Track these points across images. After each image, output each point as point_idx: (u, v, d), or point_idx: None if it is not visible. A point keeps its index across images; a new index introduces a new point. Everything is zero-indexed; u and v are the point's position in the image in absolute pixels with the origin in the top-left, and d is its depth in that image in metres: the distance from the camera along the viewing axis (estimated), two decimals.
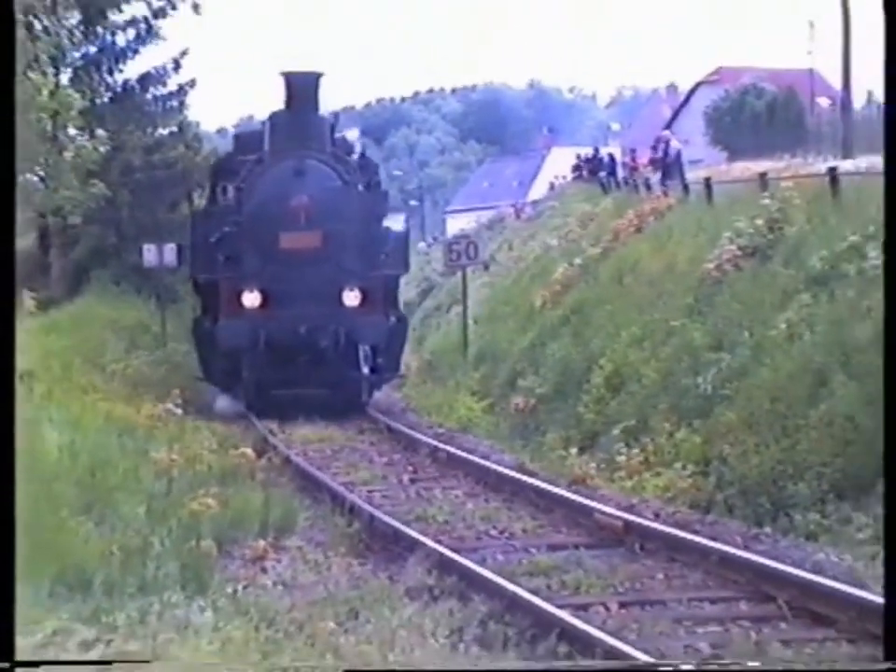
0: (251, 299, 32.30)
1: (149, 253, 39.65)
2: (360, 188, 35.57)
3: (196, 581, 14.19)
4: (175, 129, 46.48)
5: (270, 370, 31.69)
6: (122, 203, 42.81)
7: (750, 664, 7.56)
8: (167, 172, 42.28)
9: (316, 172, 33.98)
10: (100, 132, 36.96)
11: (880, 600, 13.01)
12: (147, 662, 7.90)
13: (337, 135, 40.12)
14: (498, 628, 12.63)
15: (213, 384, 35.86)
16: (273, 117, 36.82)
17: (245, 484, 18.88)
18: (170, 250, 40.98)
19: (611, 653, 11.49)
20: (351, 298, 32.68)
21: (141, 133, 45.05)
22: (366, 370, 33.21)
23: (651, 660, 7.70)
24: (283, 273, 32.48)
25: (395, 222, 39.82)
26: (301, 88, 34.63)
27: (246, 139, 39.26)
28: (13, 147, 8.58)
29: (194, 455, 21.42)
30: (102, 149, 37.12)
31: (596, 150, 72.08)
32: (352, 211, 33.70)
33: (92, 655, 11.98)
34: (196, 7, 45.26)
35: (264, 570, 15.12)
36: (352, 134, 48.88)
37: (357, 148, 43.56)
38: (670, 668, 7.24)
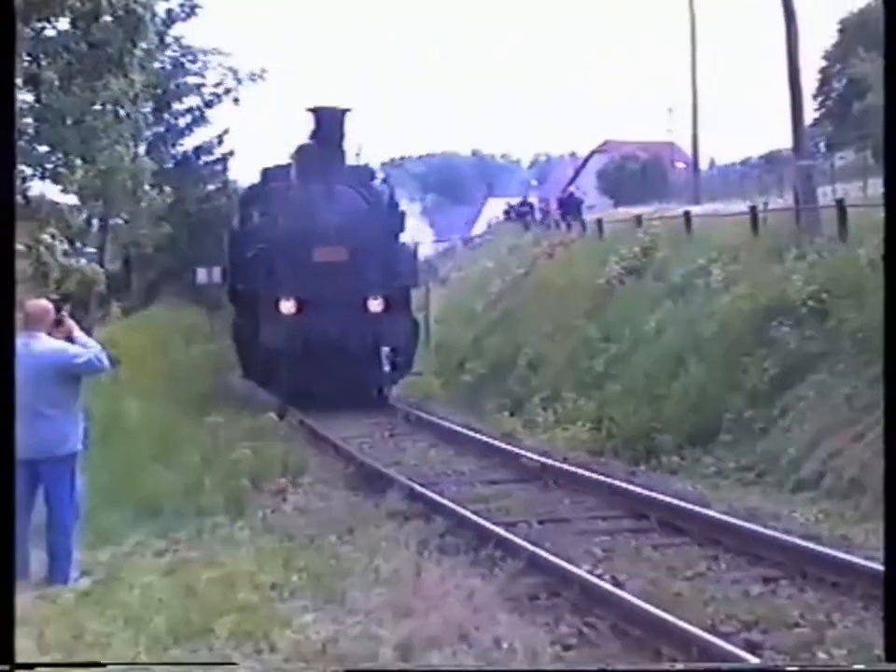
0: (288, 306, 28.23)
1: (201, 274, 39.16)
2: (381, 209, 30.93)
3: (236, 508, 14.16)
4: (219, 185, 46.25)
5: (305, 367, 27.14)
6: (182, 238, 42.79)
7: (750, 664, 7.12)
8: (214, 216, 41.93)
9: (344, 195, 29.79)
10: (166, 188, 36.57)
11: (722, 516, 13.07)
12: (146, 664, 7.62)
13: (360, 164, 36.61)
14: (453, 540, 12.63)
15: (253, 380, 31.08)
16: (302, 148, 32.08)
17: (271, 439, 18.78)
18: (216, 272, 37.45)
19: (533, 557, 11.53)
20: (375, 305, 28.68)
21: (195, 189, 44.93)
22: (387, 367, 29.19)
23: (651, 664, 7.02)
24: (315, 284, 28.12)
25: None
26: (329, 121, 30.38)
27: (272, 172, 34.32)
28: (13, 147, 7.45)
29: (234, 418, 21.40)
30: (167, 201, 36.87)
31: (522, 200, 71.78)
32: (374, 229, 29.45)
33: (162, 562, 11.96)
34: (236, 101, 45.81)
35: (285, 500, 15.07)
36: None
37: (379, 175, 38.80)
38: (670, 668, 6.78)
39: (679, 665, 6.68)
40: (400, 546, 11.94)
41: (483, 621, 9.78)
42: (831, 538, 12.37)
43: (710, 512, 13.33)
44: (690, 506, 13.72)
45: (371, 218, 29.55)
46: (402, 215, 31.63)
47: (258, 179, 35.37)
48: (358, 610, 10.14)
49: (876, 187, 47.11)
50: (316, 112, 30.02)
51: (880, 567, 10.73)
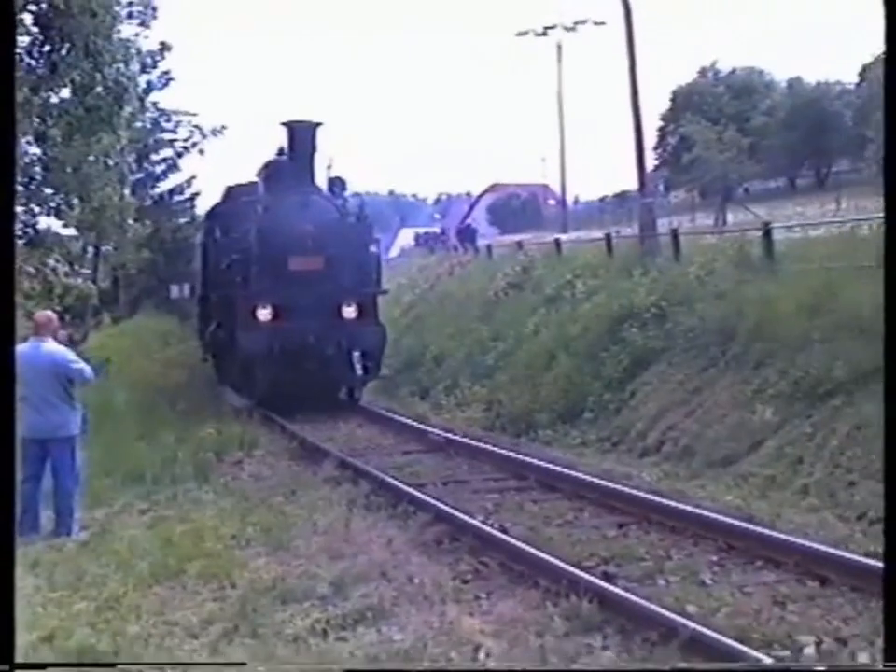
0: (265, 313, 23.44)
1: (174, 290, 38.64)
2: (352, 219, 26.06)
3: (203, 476, 14.08)
4: (188, 219, 46.02)
5: (281, 372, 22.78)
6: (159, 262, 42.82)
7: (750, 664, 6.96)
8: (184, 244, 41.57)
9: (318, 205, 24.65)
10: (146, 222, 36.47)
11: (585, 476, 13.14)
12: (148, 664, 7.48)
13: (332, 176, 29.70)
14: (375, 499, 12.61)
15: (229, 385, 26.16)
16: (273, 163, 26.94)
17: (231, 421, 18.68)
18: (186, 288, 36.07)
19: (438, 511, 11.55)
20: (349, 311, 23.99)
21: (169, 222, 44.90)
22: (359, 371, 24.27)
23: (651, 664, 7.19)
24: (291, 291, 23.42)
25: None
26: (302, 135, 25.13)
27: (237, 189, 29.19)
28: (13, 148, 6.95)
29: (202, 403, 21.26)
30: (147, 232, 36.71)
31: (426, 231, 71.71)
32: (347, 239, 24.47)
33: (145, 519, 11.92)
34: (201, 152, 45.74)
35: (242, 469, 14.98)
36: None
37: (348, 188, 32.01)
38: (670, 669, 6.83)
39: (681, 665, 6.62)
40: (334, 504, 11.94)
41: (399, 561, 9.82)
42: (669, 491, 12.48)
43: (577, 474, 13.40)
44: (561, 469, 13.78)
45: (345, 228, 24.77)
46: (371, 226, 26.76)
47: (221, 197, 29.97)
48: (301, 555, 10.18)
49: (702, 219, 47.65)
50: (290, 126, 25.24)
51: (706, 513, 10.93)
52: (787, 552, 9.44)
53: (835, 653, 7.33)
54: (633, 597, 8.32)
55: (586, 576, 8.91)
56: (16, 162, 6.71)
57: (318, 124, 24.87)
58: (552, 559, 9.41)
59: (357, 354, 23.47)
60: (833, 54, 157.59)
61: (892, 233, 5.45)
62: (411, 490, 12.80)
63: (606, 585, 8.70)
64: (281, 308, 23.18)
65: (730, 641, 7.21)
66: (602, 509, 11.92)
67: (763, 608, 8.35)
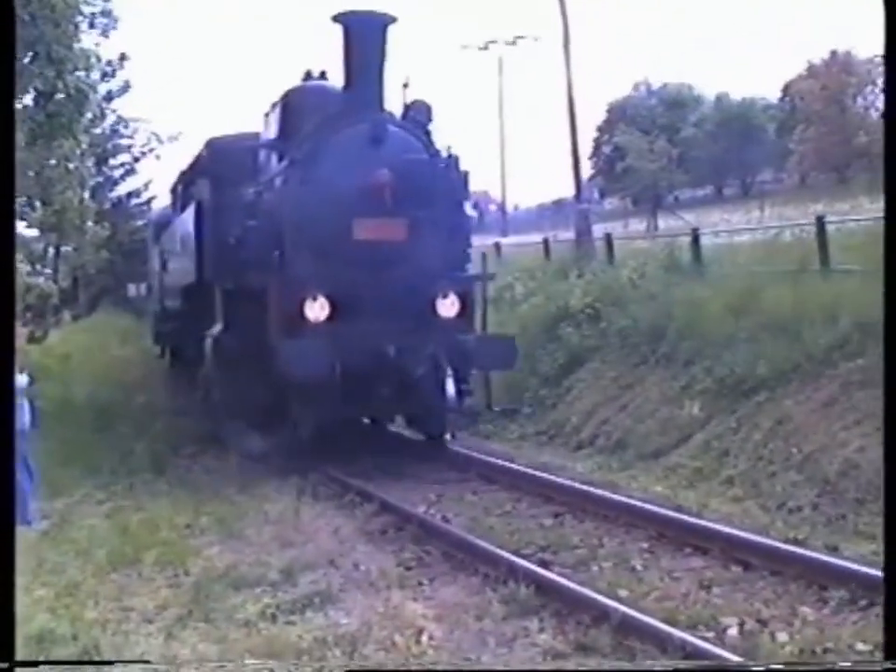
0: (317, 309, 14.07)
1: (131, 289, 38.45)
2: (446, 163, 15.28)
3: (159, 468, 14.02)
4: (145, 222, 45.88)
5: (341, 405, 13.62)
6: (117, 262, 42.55)
7: (750, 664, 6.84)
8: (141, 245, 41.31)
9: (397, 140, 14.71)
10: (105, 224, 36.19)
11: (523, 469, 13.17)
12: (147, 662, 7.46)
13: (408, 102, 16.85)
14: (324, 490, 12.59)
15: (236, 420, 15.49)
16: (305, 90, 16.42)
17: (187, 414, 18.59)
18: (143, 287, 35.50)
19: (384, 502, 11.55)
20: (448, 307, 14.60)
21: (126, 224, 44.71)
22: (453, 398, 13.99)
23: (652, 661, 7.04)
24: (357, 275, 14.25)
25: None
26: (368, 34, 14.64)
27: (225, 141, 17.88)
28: (12, 153, 6.58)
29: (159, 399, 21.13)
30: (106, 234, 36.41)
31: None
32: (440, 193, 14.83)
33: (103, 509, 11.86)
34: (158, 157, 45.85)
35: (195, 462, 14.91)
36: None
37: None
38: (670, 668, 6.80)
39: (682, 665, 6.63)
40: (283, 495, 11.90)
41: (346, 550, 9.83)
42: (602, 482, 12.52)
43: (515, 466, 13.42)
44: (500, 461, 13.81)
45: (438, 176, 14.82)
46: (467, 175, 15.59)
47: (205, 153, 18.27)
48: (252, 543, 10.18)
49: (634, 225, 47.92)
50: (347, 21, 14.54)
51: (637, 503, 11.00)
52: (713, 539, 9.52)
53: (756, 633, 7.39)
54: (568, 583, 8.37)
55: (524, 563, 8.95)
56: (14, 164, 6.61)
57: (391, 19, 14.75)
58: (491, 547, 9.44)
59: (450, 374, 13.88)
60: (758, 72, 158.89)
61: (892, 233, 5.37)
62: (357, 482, 12.76)
63: (542, 572, 8.75)
64: (341, 301, 13.97)
65: (658, 623, 7.28)
66: (539, 499, 11.94)
67: (690, 591, 8.42)
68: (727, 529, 9.75)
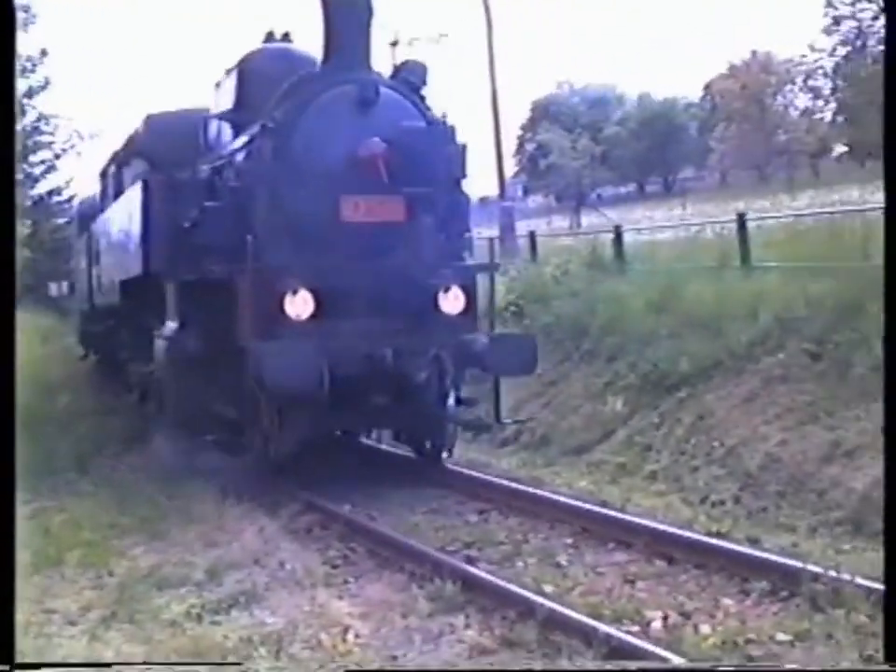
0: (298, 304, 11.51)
1: (53, 288, 38.02)
2: (444, 133, 12.65)
3: (83, 468, 13.86)
4: (67, 220, 45.42)
5: (331, 418, 12.16)
6: (39, 260, 41.98)
7: (749, 664, 6.79)
8: (62, 243, 40.83)
9: (391, 104, 12.32)
10: (27, 221, 35.80)
11: (449, 466, 13.16)
12: (147, 664, 7.15)
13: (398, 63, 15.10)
14: (248, 490, 12.48)
15: (202, 435, 12.91)
16: (274, 53, 14.33)
17: (112, 414, 18.38)
18: (65, 285, 34.97)
19: (308, 500, 11.50)
20: (451, 302, 12.26)
21: (47, 222, 44.21)
22: (452, 407, 12.73)
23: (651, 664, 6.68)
24: (345, 263, 11.84)
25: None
26: None
27: (166, 117, 15.88)
28: (13, 148, 6.25)
29: (83, 399, 20.90)
30: (27, 231, 36.01)
31: None
32: (440, 168, 12.43)
33: (26, 510, 11.71)
34: (79, 154, 45.28)
35: (121, 462, 14.76)
36: None
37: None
38: (671, 668, 6.82)
39: (682, 665, 6.62)
40: (208, 494, 11.82)
41: (271, 549, 9.78)
42: (527, 479, 12.57)
43: (441, 463, 13.42)
44: (426, 459, 13.79)
45: (436, 148, 12.31)
46: (465, 148, 12.99)
47: (143, 130, 16.12)
48: (177, 543, 10.10)
49: (558, 222, 48.18)
50: None
51: (562, 498, 11.06)
52: (637, 533, 9.59)
53: (679, 626, 7.46)
54: (493, 579, 8.40)
55: (449, 560, 8.97)
56: (14, 164, 6.43)
57: None
58: (416, 544, 9.46)
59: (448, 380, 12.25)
60: (679, 73, 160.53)
61: (892, 232, 5.38)
62: (279, 480, 12.64)
63: (468, 568, 8.78)
64: (327, 295, 11.68)
65: (583, 617, 7.33)
66: (464, 496, 11.95)
67: (615, 586, 8.49)
68: (651, 524, 9.84)
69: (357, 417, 12.49)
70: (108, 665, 7.03)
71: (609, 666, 6.65)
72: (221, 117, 14.37)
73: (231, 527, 10.48)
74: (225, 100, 14.28)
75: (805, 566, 8.05)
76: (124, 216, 15.83)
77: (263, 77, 13.46)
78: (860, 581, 7.60)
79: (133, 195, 14.86)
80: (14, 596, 5.82)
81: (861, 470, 10.36)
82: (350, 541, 10.06)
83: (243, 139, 13.10)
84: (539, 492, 11.47)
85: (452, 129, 12.75)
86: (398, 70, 13.20)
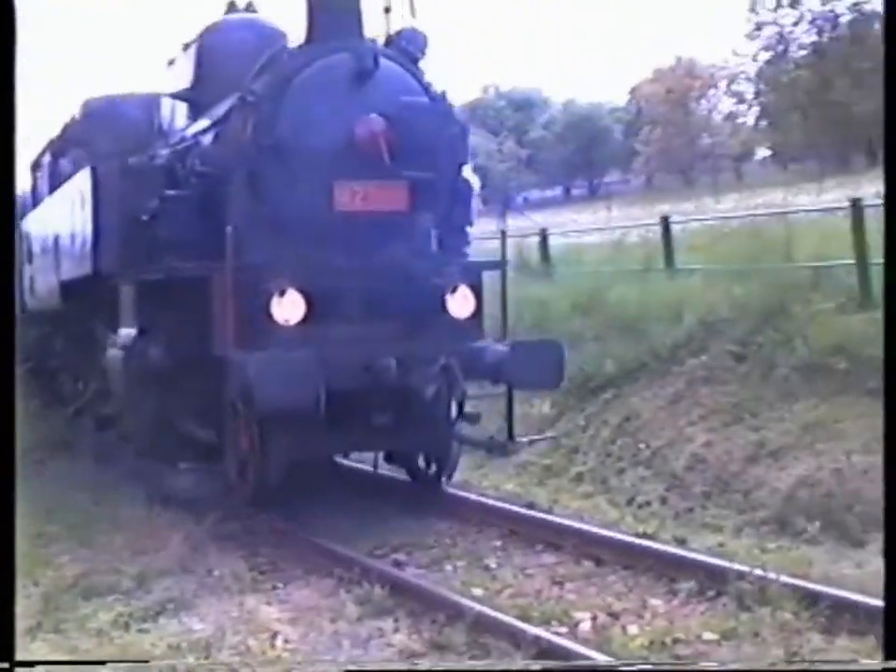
0: (287, 307, 9.76)
1: None
2: (446, 110, 10.99)
3: None
4: None
5: (327, 438, 10.42)
6: None
7: (749, 664, 6.73)
8: None
9: (391, 77, 10.55)
10: None
11: (382, 471, 13.14)
12: (146, 662, 7.14)
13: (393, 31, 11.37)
14: (175, 496, 12.35)
15: (164, 458, 11.83)
16: (240, 22, 12.93)
17: (39, 418, 18.11)
18: None
19: (232, 507, 11.44)
20: (460, 304, 10.51)
21: None
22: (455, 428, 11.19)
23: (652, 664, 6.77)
24: (340, 259, 10.21)
25: None
26: None
27: (109, 104, 14.39)
28: (12, 145, 6.07)
29: None
30: None
31: None
32: (443, 151, 10.61)
33: None
34: None
35: (46, 468, 14.57)
36: None
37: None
38: (671, 669, 6.79)
39: (682, 665, 6.61)
40: (136, 501, 11.71)
41: (199, 555, 9.73)
42: (455, 482, 12.49)
43: (367, 467, 13.32)
44: (354, 464, 13.68)
45: (441, 128, 10.70)
46: (466, 129, 11.76)
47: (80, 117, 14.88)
48: (104, 551, 10.00)
49: (484, 225, 48.39)
50: None
51: (490, 501, 11.09)
52: (565, 535, 9.65)
53: (607, 627, 7.52)
54: (421, 582, 8.41)
55: (378, 564, 8.98)
56: (15, 164, 6.25)
57: None
58: (344, 550, 9.43)
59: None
60: (606, 78, 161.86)
61: (892, 230, 5.36)
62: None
63: (396, 572, 8.78)
64: (319, 296, 10.06)
65: (512, 620, 7.36)
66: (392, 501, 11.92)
67: (543, 588, 8.53)
68: (578, 525, 9.91)
69: (354, 439, 10.77)
70: (105, 662, 7.01)
71: (610, 666, 6.68)
72: (178, 96, 12.93)
73: (159, 534, 10.37)
74: (182, 78, 12.82)
75: (732, 565, 8.17)
76: (65, 209, 13.78)
77: (226, 51, 12.10)
78: (785, 579, 7.71)
79: (77, 186, 12.98)
80: (14, 596, 5.77)
81: (785, 470, 10.52)
82: (278, 547, 10.02)
83: (208, 120, 11.72)
84: (466, 494, 11.48)
85: (453, 107, 11.25)
86: (390, 40, 11.20)
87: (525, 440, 11.90)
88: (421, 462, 11.84)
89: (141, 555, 9.71)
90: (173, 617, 8.21)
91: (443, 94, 11.01)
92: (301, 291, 9.92)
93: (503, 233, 11.60)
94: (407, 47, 11.04)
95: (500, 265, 11.44)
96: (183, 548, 9.91)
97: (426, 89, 10.89)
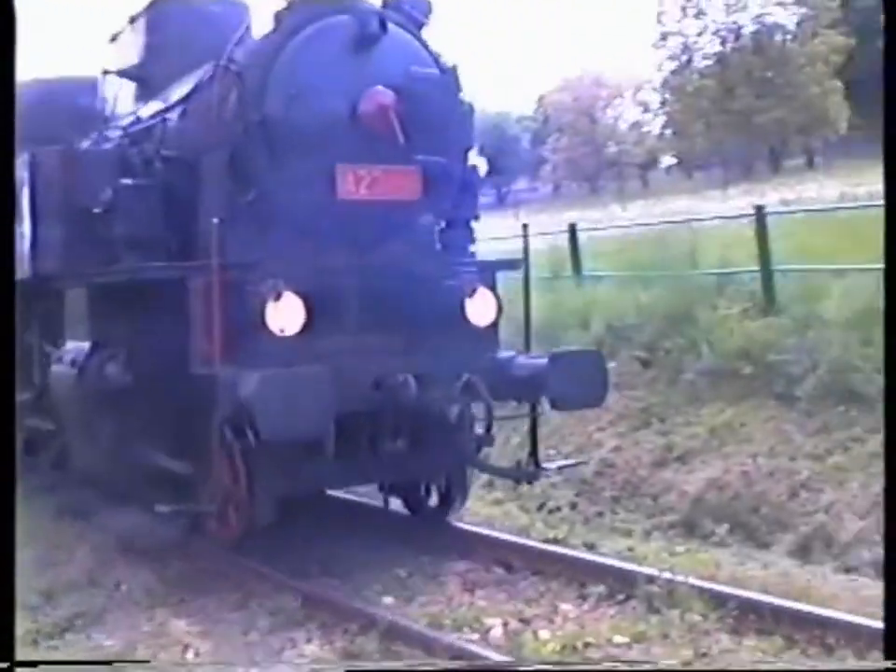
0: (285, 314, 8.04)
1: None
2: (456, 85, 9.32)
3: None
4: None
5: (329, 472, 8.50)
6: None
7: (749, 664, 6.66)
8: None
9: (398, 44, 8.95)
10: None
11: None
12: (147, 661, 7.07)
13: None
14: (81, 507, 12.14)
15: (124, 497, 10.14)
16: None
17: None
18: None
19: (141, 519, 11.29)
20: (481, 309, 9.04)
21: None
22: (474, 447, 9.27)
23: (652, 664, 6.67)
24: (345, 257, 8.63)
25: None
26: None
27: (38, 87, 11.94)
28: (13, 143, 5.77)
29: None
30: None
31: None
32: (453, 131, 9.24)
33: None
34: None
35: None
36: None
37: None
38: (671, 669, 6.63)
39: (682, 666, 6.58)
40: (43, 513, 11.53)
41: (108, 569, 9.60)
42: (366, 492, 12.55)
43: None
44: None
45: (453, 106, 9.34)
46: (472, 108, 9.88)
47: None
48: None
49: None
50: None
51: (399, 509, 11.06)
52: (476, 542, 9.65)
53: (519, 632, 7.55)
54: (333, 593, 8.36)
55: (288, 576, 8.90)
56: (14, 163, 5.96)
57: None
58: (256, 564, 9.32)
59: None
60: (514, 88, 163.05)
61: (892, 228, 5.34)
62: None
63: (308, 584, 8.71)
64: (321, 301, 8.43)
65: (423, 629, 7.37)
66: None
67: (455, 595, 8.53)
68: (489, 532, 9.91)
69: (361, 469, 9.04)
70: (108, 662, 6.94)
71: (611, 667, 6.73)
72: (126, 74, 11.29)
73: (68, 547, 10.24)
74: (129, 54, 11.24)
75: (641, 568, 8.25)
76: None
77: (185, 21, 10.63)
78: (693, 581, 7.81)
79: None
80: (14, 596, 5.57)
81: (692, 474, 10.65)
82: (191, 560, 9.91)
83: (164, 99, 10.15)
84: (379, 504, 11.43)
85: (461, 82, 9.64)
86: (388, 2, 9.49)
87: (554, 466, 10.35)
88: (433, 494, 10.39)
89: (48, 569, 9.55)
90: (81, 632, 8.10)
91: (454, 67, 9.47)
92: (301, 295, 8.30)
93: (525, 227, 9.97)
94: (411, 11, 9.52)
95: (519, 264, 9.99)
96: (92, 561, 9.78)
97: (435, 59, 9.44)
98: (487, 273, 9.55)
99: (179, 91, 9.85)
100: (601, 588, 8.21)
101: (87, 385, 9.10)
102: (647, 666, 6.77)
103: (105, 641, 7.89)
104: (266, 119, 8.60)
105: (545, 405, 9.40)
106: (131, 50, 11.23)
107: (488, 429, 9.05)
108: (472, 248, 9.95)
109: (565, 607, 8.06)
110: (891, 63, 5.49)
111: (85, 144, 10.73)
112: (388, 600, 8.35)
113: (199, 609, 8.57)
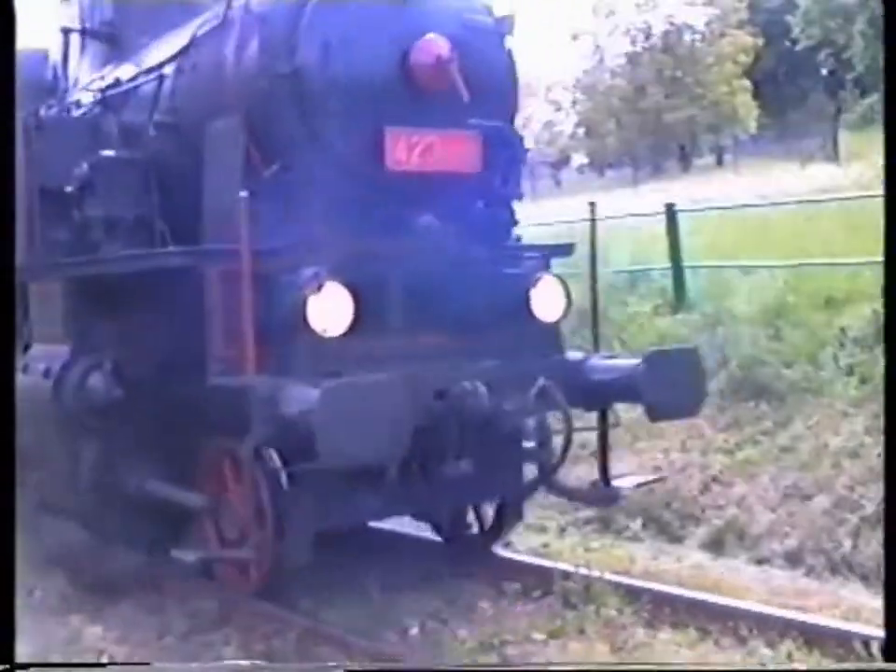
0: (331, 309, 6.39)
1: None
2: (509, 55, 7.79)
3: None
4: None
5: (386, 500, 6.95)
6: None
7: (749, 665, 6.48)
8: None
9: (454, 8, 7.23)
10: None
11: None
12: (147, 664, 6.89)
13: None
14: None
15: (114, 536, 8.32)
16: None
17: None
18: None
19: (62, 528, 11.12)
20: (548, 301, 7.62)
21: None
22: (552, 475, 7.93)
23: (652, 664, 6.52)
24: (390, 242, 7.02)
25: None
26: None
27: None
28: (13, 143, 5.56)
29: None
30: None
31: None
32: (510, 91, 7.79)
33: None
34: None
35: None
36: None
37: None
38: (671, 669, 6.45)
39: (679, 667, 6.53)
40: None
41: (21, 575, 9.40)
42: None
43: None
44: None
45: (505, 61, 7.86)
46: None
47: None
48: None
49: None
50: None
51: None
52: (393, 542, 9.63)
53: (437, 631, 7.55)
54: (250, 598, 8.27)
55: (206, 581, 8.80)
56: (15, 162, 5.61)
57: None
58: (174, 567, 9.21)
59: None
60: None
61: (892, 227, 5.29)
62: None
63: (225, 588, 8.61)
64: (371, 293, 6.91)
65: (338, 631, 7.36)
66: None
67: (375, 596, 8.50)
68: (408, 532, 9.90)
69: (418, 495, 7.48)
70: (105, 664, 6.85)
71: (612, 667, 6.67)
72: (90, 32, 9.78)
73: None
74: (94, 15, 9.81)
75: (557, 565, 8.30)
76: None
77: None
78: (608, 576, 7.87)
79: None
80: (14, 596, 5.53)
81: None
82: (106, 567, 9.78)
83: (160, 52, 8.55)
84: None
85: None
86: None
87: (631, 484, 8.76)
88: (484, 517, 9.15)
89: None
90: None
91: (511, 17, 8.02)
92: (348, 286, 6.79)
93: (592, 206, 8.45)
94: None
95: (573, 250, 8.79)
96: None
97: (488, 8, 8.06)
98: (546, 259, 8.33)
99: (168, 46, 8.39)
100: (517, 585, 8.23)
101: (65, 400, 7.65)
102: (651, 667, 6.78)
103: (19, 648, 7.73)
104: (298, 72, 7.10)
105: (617, 413, 8.44)
106: (96, 11, 9.78)
107: (566, 444, 7.53)
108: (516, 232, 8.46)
109: (482, 605, 8.07)
110: (891, 63, 5.42)
111: (48, 112, 9.13)
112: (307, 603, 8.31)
113: (116, 614, 8.46)
